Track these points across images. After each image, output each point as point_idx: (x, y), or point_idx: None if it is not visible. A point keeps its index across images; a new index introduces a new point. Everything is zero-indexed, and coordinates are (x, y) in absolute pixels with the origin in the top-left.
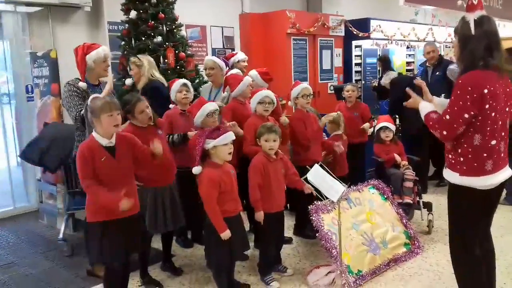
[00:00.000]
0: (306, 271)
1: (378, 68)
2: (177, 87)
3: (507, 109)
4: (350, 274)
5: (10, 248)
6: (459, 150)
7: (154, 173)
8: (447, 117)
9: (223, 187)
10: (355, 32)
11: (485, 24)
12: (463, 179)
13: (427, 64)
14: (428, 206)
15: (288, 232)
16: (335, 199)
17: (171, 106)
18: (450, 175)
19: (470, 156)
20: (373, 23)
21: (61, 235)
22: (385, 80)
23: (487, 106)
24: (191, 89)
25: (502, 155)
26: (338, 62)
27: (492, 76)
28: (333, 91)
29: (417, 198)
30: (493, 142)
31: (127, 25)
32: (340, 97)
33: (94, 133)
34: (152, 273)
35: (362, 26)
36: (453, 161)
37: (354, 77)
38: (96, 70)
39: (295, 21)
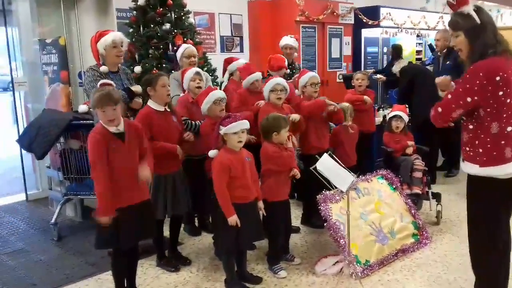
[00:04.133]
0: (313, 261)
1: (388, 56)
2: (191, 75)
3: None
4: (358, 264)
5: (20, 234)
6: (477, 142)
7: (159, 161)
8: (449, 96)
9: (233, 172)
10: (364, 20)
11: (484, 12)
12: (484, 170)
13: (438, 53)
14: (437, 196)
15: (296, 221)
16: (344, 189)
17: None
18: (470, 168)
19: (489, 146)
20: (383, 11)
21: (53, 220)
22: (396, 68)
23: (501, 93)
24: (204, 78)
25: None
26: (347, 50)
27: (503, 62)
28: (342, 80)
29: (426, 189)
30: (509, 128)
31: (135, 12)
32: (349, 86)
33: (101, 122)
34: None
35: (372, 13)
36: (471, 154)
37: (363, 66)
38: (108, 56)
39: (304, 9)
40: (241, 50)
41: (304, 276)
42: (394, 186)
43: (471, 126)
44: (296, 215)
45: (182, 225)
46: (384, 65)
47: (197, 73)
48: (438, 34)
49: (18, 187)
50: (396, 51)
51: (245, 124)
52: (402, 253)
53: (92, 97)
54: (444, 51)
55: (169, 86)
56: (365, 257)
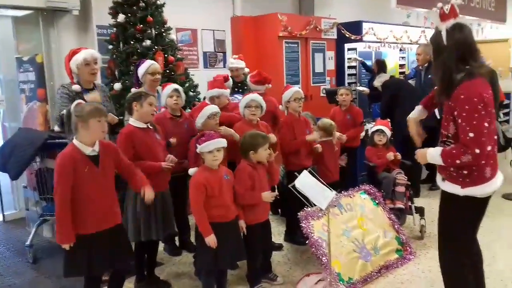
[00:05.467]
0: (296, 279)
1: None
2: (168, 92)
3: (493, 113)
4: (341, 282)
5: None
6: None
7: (148, 179)
8: (471, 134)
9: (209, 192)
10: (347, 35)
11: (457, 33)
12: (466, 191)
13: (419, 67)
14: (420, 211)
15: (279, 238)
16: (323, 207)
17: (162, 109)
18: (451, 188)
19: (474, 167)
20: (365, 26)
21: (28, 241)
22: (377, 83)
23: (483, 113)
24: (183, 95)
25: (496, 159)
26: (331, 65)
27: (482, 83)
28: (325, 95)
29: (409, 203)
30: (489, 148)
31: (115, 28)
32: (332, 101)
33: (75, 142)
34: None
35: (354, 28)
36: (454, 174)
37: (347, 80)
38: (81, 74)
39: (287, 24)
40: (224, 66)
41: None
42: (377, 201)
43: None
44: (279, 231)
45: (162, 245)
46: (361, 78)
47: (175, 90)
48: (419, 49)
49: None
50: (379, 65)
51: (221, 142)
52: (386, 270)
53: (82, 110)
54: (425, 65)
55: (155, 106)
56: (348, 275)
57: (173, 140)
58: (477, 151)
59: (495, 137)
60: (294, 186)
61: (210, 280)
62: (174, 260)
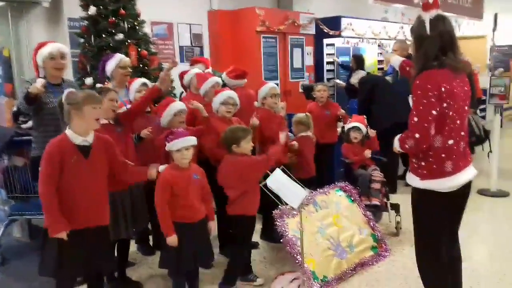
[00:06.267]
0: (272, 278)
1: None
2: (136, 86)
3: (466, 108)
4: (316, 280)
5: None
6: (421, 154)
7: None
8: (415, 119)
9: (175, 190)
10: (326, 30)
11: (440, 24)
12: (425, 183)
13: None
14: (395, 207)
15: (255, 236)
16: (295, 206)
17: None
18: (412, 180)
19: (431, 159)
20: (344, 21)
21: None
22: (354, 80)
23: (444, 105)
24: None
25: (462, 155)
26: (309, 60)
27: (448, 75)
28: (302, 91)
29: (385, 200)
30: (451, 141)
31: (86, 22)
32: (309, 96)
33: (67, 131)
34: None
35: (333, 24)
36: (415, 165)
37: (326, 75)
38: (46, 69)
39: (265, 19)
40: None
41: None
42: (352, 198)
43: None
44: (255, 229)
45: (136, 244)
46: (339, 74)
47: (144, 84)
48: (395, 45)
49: None
50: (357, 61)
51: (189, 141)
52: (361, 267)
53: (76, 97)
54: None
55: (117, 101)
56: (323, 273)
57: (146, 132)
58: (417, 135)
59: (462, 133)
60: (266, 185)
61: (180, 280)
62: (147, 260)
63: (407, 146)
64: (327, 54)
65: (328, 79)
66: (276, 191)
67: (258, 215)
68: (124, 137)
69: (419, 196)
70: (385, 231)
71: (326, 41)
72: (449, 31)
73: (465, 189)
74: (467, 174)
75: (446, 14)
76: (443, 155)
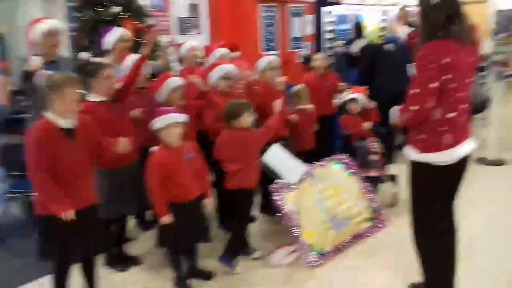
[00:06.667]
0: (269, 251)
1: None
2: (131, 62)
3: (467, 81)
4: (313, 252)
5: None
6: (420, 126)
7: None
8: (416, 90)
9: (167, 170)
10: None
11: None
12: (423, 156)
13: None
14: (393, 178)
15: (253, 209)
16: (293, 181)
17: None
18: (410, 152)
19: (430, 131)
20: None
21: None
22: (355, 48)
23: (444, 77)
24: (147, 65)
25: (463, 128)
26: (309, 29)
27: (453, 46)
28: (303, 60)
29: (383, 171)
30: (452, 114)
31: None
32: (309, 67)
33: (49, 115)
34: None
35: None
36: (413, 138)
37: (327, 44)
38: (43, 46)
39: None
40: (200, 31)
41: (259, 268)
42: (350, 171)
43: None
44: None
45: (135, 220)
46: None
47: None
48: (400, 12)
49: None
50: (357, 30)
51: (174, 117)
52: (357, 239)
53: (55, 80)
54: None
55: (114, 77)
56: (321, 245)
57: (134, 112)
58: (416, 107)
59: (463, 105)
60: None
61: (177, 257)
62: (145, 235)
63: (405, 118)
64: (327, 22)
65: (330, 48)
66: (274, 167)
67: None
68: (123, 114)
69: (416, 169)
70: (382, 202)
71: (324, 8)
72: (455, 1)
73: (464, 162)
74: (466, 147)
75: None
76: (443, 128)
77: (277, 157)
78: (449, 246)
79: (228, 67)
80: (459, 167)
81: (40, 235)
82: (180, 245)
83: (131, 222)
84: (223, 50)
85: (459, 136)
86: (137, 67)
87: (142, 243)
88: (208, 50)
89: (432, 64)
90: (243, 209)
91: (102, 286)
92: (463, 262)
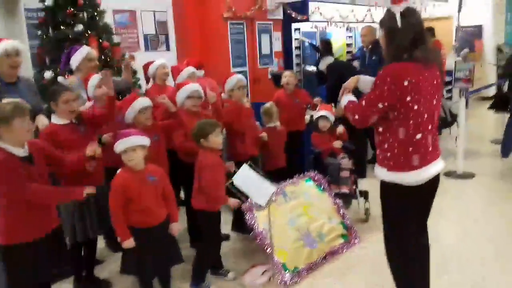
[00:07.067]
0: (243, 270)
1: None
2: (95, 82)
3: (434, 102)
4: (287, 271)
5: None
6: (386, 145)
7: (77, 176)
8: (363, 103)
9: (128, 194)
10: (293, 15)
11: (411, 16)
12: (390, 175)
13: (364, 48)
14: (364, 194)
15: (226, 227)
16: (262, 204)
17: (88, 104)
18: (379, 171)
19: (396, 151)
20: (312, 5)
21: None
22: (322, 66)
23: (408, 98)
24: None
25: (430, 149)
26: (278, 46)
27: (416, 68)
28: (271, 78)
29: (354, 187)
30: (419, 136)
31: (43, 12)
32: (278, 84)
33: (3, 145)
34: None
35: (300, 8)
36: (380, 157)
37: (295, 60)
38: (1, 67)
39: (231, 5)
40: (167, 48)
41: None
42: (322, 187)
43: (380, 129)
44: (226, 220)
45: (104, 241)
46: (305, 59)
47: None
48: (364, 30)
49: None
50: (324, 47)
51: (133, 141)
52: (331, 256)
53: (4, 110)
54: (369, 46)
55: (74, 100)
56: (294, 264)
57: (106, 136)
58: (356, 117)
59: (430, 126)
60: (232, 183)
61: (145, 284)
62: (116, 256)
63: (348, 114)
64: (295, 39)
65: (298, 64)
66: (244, 190)
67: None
68: (88, 137)
69: (385, 189)
70: (355, 218)
71: (294, 25)
72: (420, 23)
73: (433, 183)
74: (434, 168)
75: None
76: (410, 149)
77: (247, 178)
78: (421, 263)
79: (193, 87)
80: (429, 186)
81: (7, 266)
82: (146, 271)
83: (101, 243)
84: (191, 69)
85: (427, 157)
86: (110, 109)
87: (112, 264)
88: (175, 70)
89: (386, 85)
90: (207, 230)
91: None
92: (436, 277)
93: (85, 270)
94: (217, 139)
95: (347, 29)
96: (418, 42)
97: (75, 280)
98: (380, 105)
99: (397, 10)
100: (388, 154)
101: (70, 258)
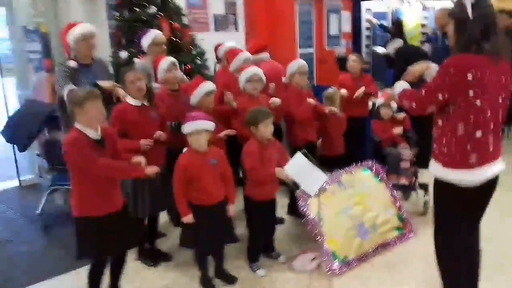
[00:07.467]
0: (295, 255)
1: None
2: (165, 66)
3: (500, 99)
4: (336, 260)
5: (8, 223)
6: (444, 140)
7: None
8: (422, 91)
9: (190, 174)
10: None
11: (482, 6)
12: (444, 172)
13: (437, 31)
14: (424, 187)
15: (282, 211)
16: (312, 193)
17: (156, 85)
18: (433, 166)
19: (453, 147)
20: None
21: (39, 209)
22: (390, 49)
23: (471, 93)
24: (178, 67)
25: (491, 149)
26: (347, 27)
27: (483, 62)
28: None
29: (414, 179)
30: (478, 133)
31: None
32: (343, 67)
33: (77, 125)
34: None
35: None
36: (437, 151)
37: (365, 42)
38: (78, 49)
39: None
40: (236, 29)
41: (282, 273)
42: (379, 177)
43: (440, 122)
44: (283, 203)
45: (168, 215)
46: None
47: (173, 64)
48: (438, 12)
49: (12, 172)
50: (395, 27)
51: (199, 125)
52: (383, 248)
53: (75, 96)
54: (443, 30)
55: (139, 79)
56: (344, 253)
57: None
58: (413, 105)
59: (493, 125)
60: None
61: (201, 257)
62: (178, 230)
63: (403, 102)
64: (365, 20)
65: (367, 46)
66: (294, 178)
67: (287, 188)
68: (157, 121)
69: (438, 185)
70: (412, 210)
71: (364, 4)
72: (492, 13)
73: (490, 185)
74: (492, 169)
75: None
76: (468, 147)
77: (299, 166)
78: (470, 264)
79: (253, 70)
80: (485, 188)
81: (77, 235)
82: (202, 246)
83: (165, 217)
84: (246, 54)
85: (487, 157)
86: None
87: (174, 237)
88: (230, 54)
89: (448, 76)
90: (252, 219)
91: (132, 279)
92: (490, 276)
93: (148, 241)
94: (266, 129)
95: (423, 8)
96: (489, 33)
97: (139, 252)
98: (440, 96)
99: (467, 1)
100: (445, 150)
101: (138, 239)
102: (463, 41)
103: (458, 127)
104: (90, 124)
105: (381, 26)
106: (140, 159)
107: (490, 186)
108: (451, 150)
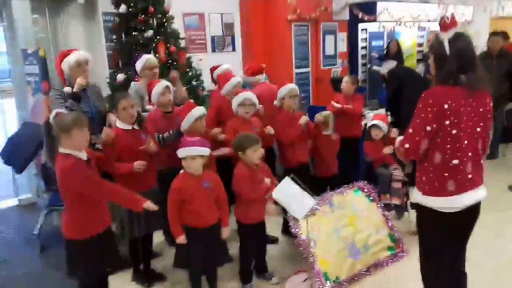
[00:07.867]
0: (288, 275)
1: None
2: (160, 90)
3: (478, 129)
4: (328, 281)
5: (6, 243)
6: (422, 168)
7: (132, 178)
8: (410, 130)
9: (183, 197)
10: (360, 16)
11: (459, 42)
12: (425, 199)
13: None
14: (416, 207)
15: (277, 230)
16: (299, 217)
17: (149, 107)
18: (415, 194)
19: (431, 175)
20: (380, 6)
21: (36, 230)
22: (383, 70)
23: (447, 122)
24: (172, 90)
25: (470, 176)
26: (343, 47)
27: (458, 93)
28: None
29: (405, 199)
30: (455, 161)
31: (118, 19)
32: (337, 88)
33: (65, 150)
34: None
35: (368, 8)
36: (418, 179)
37: (361, 61)
38: (73, 75)
39: (296, 7)
40: (233, 49)
41: None
42: (371, 198)
43: None
44: (278, 222)
45: (163, 235)
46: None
47: (167, 87)
48: (429, 35)
49: (11, 191)
50: (395, 48)
51: (195, 151)
52: (375, 268)
53: (62, 121)
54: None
55: (131, 107)
56: (336, 274)
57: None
58: (407, 146)
59: (470, 153)
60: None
61: (194, 278)
62: (172, 250)
63: (400, 149)
64: (361, 39)
65: (364, 64)
66: (281, 203)
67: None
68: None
69: (421, 212)
70: (404, 231)
71: (361, 25)
72: (470, 48)
73: (471, 211)
74: (472, 196)
75: None
76: (445, 174)
77: (287, 192)
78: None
79: (245, 95)
80: (467, 214)
81: (67, 256)
82: (195, 267)
83: (160, 237)
84: (237, 79)
85: (465, 184)
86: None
87: (168, 257)
88: (221, 78)
89: (429, 107)
90: (242, 241)
91: None
92: None
93: (143, 261)
94: (253, 154)
95: (418, 28)
96: (466, 68)
97: (133, 272)
98: (429, 128)
99: (445, 37)
100: (424, 178)
101: (119, 257)
102: (441, 75)
103: (435, 156)
104: (75, 148)
105: (379, 58)
106: (150, 205)
107: (471, 212)
108: (429, 178)
